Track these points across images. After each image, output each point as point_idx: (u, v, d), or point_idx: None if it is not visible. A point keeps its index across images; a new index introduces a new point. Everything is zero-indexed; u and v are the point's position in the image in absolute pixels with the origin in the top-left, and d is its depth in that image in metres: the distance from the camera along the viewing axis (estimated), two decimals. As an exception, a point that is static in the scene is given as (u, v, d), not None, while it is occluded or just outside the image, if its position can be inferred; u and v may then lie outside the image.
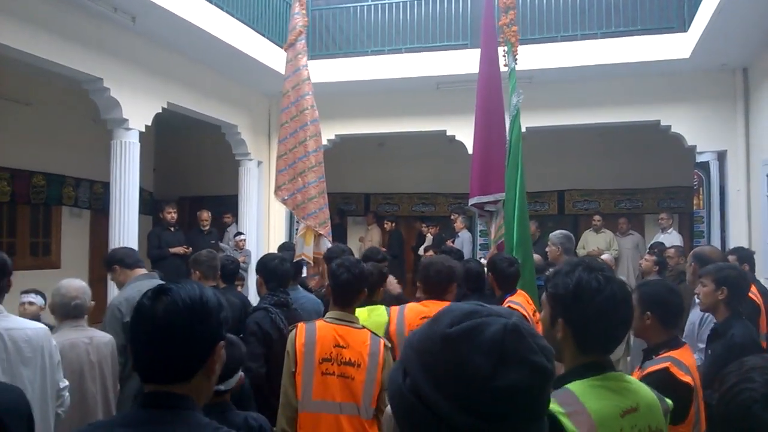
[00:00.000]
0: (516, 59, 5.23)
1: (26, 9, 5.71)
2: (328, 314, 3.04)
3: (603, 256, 7.77)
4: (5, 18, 5.52)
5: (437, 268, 3.47)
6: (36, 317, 4.26)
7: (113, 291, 6.70)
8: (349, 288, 2.99)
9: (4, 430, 1.78)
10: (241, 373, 2.48)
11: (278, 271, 3.82)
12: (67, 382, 2.98)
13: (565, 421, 1.52)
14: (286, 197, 6.04)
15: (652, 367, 2.48)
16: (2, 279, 2.64)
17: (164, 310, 1.31)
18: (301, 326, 2.99)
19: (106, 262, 4.17)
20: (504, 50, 5.30)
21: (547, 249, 5.67)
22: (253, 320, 3.54)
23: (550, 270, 1.99)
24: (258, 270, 3.91)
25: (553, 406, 1.55)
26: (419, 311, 3.39)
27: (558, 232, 5.54)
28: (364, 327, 3.02)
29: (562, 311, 1.66)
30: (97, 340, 3.37)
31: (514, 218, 4.85)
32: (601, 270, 1.68)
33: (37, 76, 7.90)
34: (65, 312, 3.31)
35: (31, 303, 4.54)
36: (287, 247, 6.38)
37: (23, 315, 4.01)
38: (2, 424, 1.77)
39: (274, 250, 9.25)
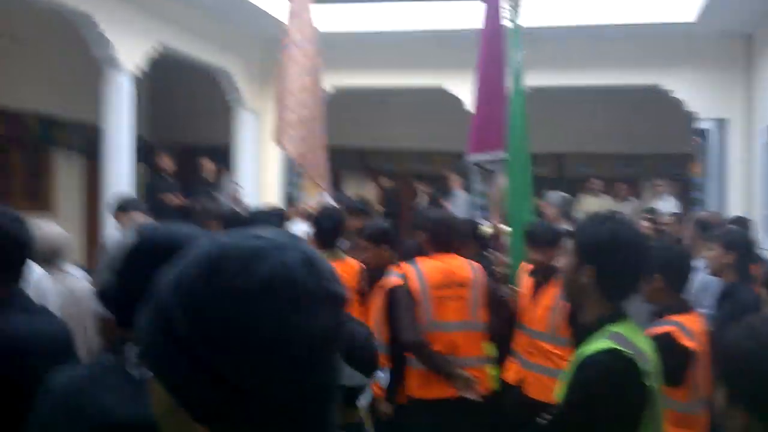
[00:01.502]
0: (518, 11, 5.11)
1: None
2: None
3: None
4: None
5: (447, 223, 3.55)
6: None
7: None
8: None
9: (72, 352, 1.83)
10: None
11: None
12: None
13: (639, 363, 1.66)
14: (287, 145, 5.85)
15: (656, 328, 2.51)
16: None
17: None
18: None
19: (110, 210, 4.23)
20: (508, 4, 5.17)
21: (544, 210, 5.58)
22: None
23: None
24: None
25: (617, 347, 1.68)
26: (438, 267, 3.38)
27: (556, 192, 5.49)
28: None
29: (594, 259, 1.76)
30: (80, 288, 3.31)
31: (515, 179, 4.79)
32: (627, 222, 1.85)
33: (26, 10, 7.68)
34: (39, 257, 3.24)
35: None
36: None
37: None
38: (70, 346, 1.84)
39: (270, 202, 9.24)
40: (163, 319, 0.67)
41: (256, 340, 0.64)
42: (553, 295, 3.39)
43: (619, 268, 1.76)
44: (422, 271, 3.34)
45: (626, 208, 9.89)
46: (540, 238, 3.57)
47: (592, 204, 9.90)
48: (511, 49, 5.09)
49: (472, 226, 4.28)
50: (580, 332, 1.88)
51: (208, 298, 0.65)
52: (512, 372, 3.62)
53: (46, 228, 3.29)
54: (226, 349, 0.64)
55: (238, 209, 8.01)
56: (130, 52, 7.08)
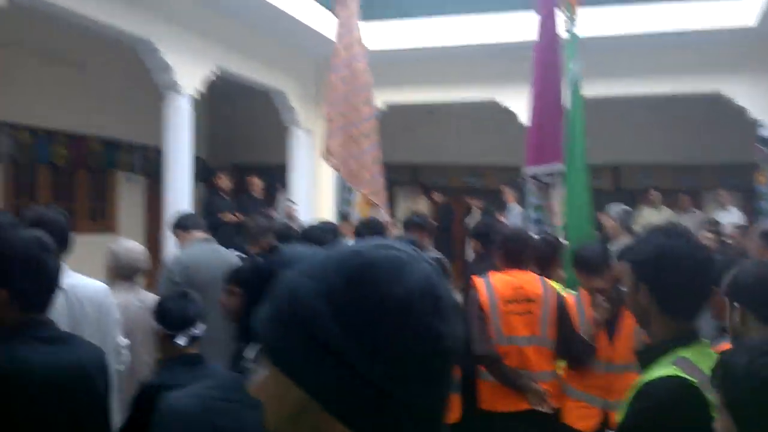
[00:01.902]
0: (574, 20, 5.04)
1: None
2: None
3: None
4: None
5: (518, 238, 3.50)
6: None
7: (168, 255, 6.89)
8: None
9: (91, 384, 1.83)
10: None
11: (322, 244, 3.79)
12: (126, 341, 3.01)
13: (705, 393, 1.52)
14: (337, 163, 5.92)
15: (722, 345, 2.40)
16: (66, 236, 2.69)
17: None
18: None
19: (169, 227, 4.30)
20: (564, 14, 5.12)
21: (605, 223, 5.42)
22: None
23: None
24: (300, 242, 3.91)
25: (682, 374, 1.56)
26: (508, 281, 3.35)
27: (616, 205, 5.36)
28: None
29: (646, 277, 1.66)
30: (150, 302, 3.41)
31: (574, 192, 4.72)
32: (681, 235, 1.69)
33: (92, 39, 8.00)
34: (124, 273, 3.34)
35: None
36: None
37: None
38: (90, 377, 1.83)
39: (324, 218, 9.32)
40: (307, 326, 0.68)
41: (407, 345, 0.67)
42: (629, 322, 3.11)
43: (673, 285, 1.63)
44: (492, 285, 3.32)
45: (688, 220, 9.58)
46: (592, 263, 3.21)
47: (652, 216, 9.64)
48: (569, 59, 5.03)
49: (555, 245, 4.11)
50: (645, 356, 1.75)
51: (361, 306, 0.67)
52: (590, 418, 3.20)
53: (127, 245, 3.42)
54: (378, 355, 0.67)
55: (292, 225, 8.15)
56: (190, 76, 7.30)
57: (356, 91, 5.87)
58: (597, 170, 11.20)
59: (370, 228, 4.29)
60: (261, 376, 0.75)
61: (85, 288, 2.73)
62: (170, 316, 2.38)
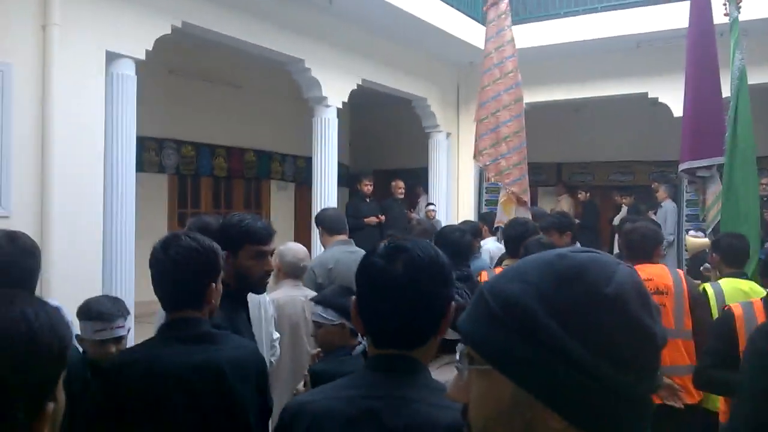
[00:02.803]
0: (739, 8, 4.65)
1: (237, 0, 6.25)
2: None
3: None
4: (220, 8, 6.09)
5: (642, 232, 3.41)
6: None
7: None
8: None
9: (223, 383, 1.77)
10: None
11: (460, 244, 3.78)
12: (278, 335, 3.21)
13: None
14: (488, 163, 5.96)
15: None
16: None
17: (404, 268, 1.24)
18: None
19: (316, 221, 4.46)
20: (723, -1, 4.75)
21: None
22: None
23: None
24: (438, 243, 3.93)
25: None
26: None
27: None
28: None
29: None
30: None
31: (737, 186, 4.37)
32: None
33: (246, 61, 8.62)
34: (291, 271, 3.57)
35: None
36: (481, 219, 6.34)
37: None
38: (222, 376, 1.77)
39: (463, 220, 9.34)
40: (529, 328, 0.72)
41: (628, 341, 0.71)
42: None
43: None
44: None
45: None
46: None
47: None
48: (732, 47, 4.66)
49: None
50: None
51: (576, 306, 0.71)
52: None
53: (293, 247, 3.66)
54: (602, 352, 0.70)
55: (434, 226, 8.24)
56: (337, 90, 7.67)
57: (508, 90, 5.92)
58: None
59: (520, 229, 4.24)
60: (457, 378, 0.80)
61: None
62: (344, 309, 2.47)
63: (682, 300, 3.18)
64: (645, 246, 3.36)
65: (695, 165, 4.71)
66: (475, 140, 6.09)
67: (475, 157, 6.14)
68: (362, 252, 4.17)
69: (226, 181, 9.92)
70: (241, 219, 2.43)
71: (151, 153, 8.72)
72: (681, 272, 3.34)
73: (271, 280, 3.74)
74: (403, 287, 1.23)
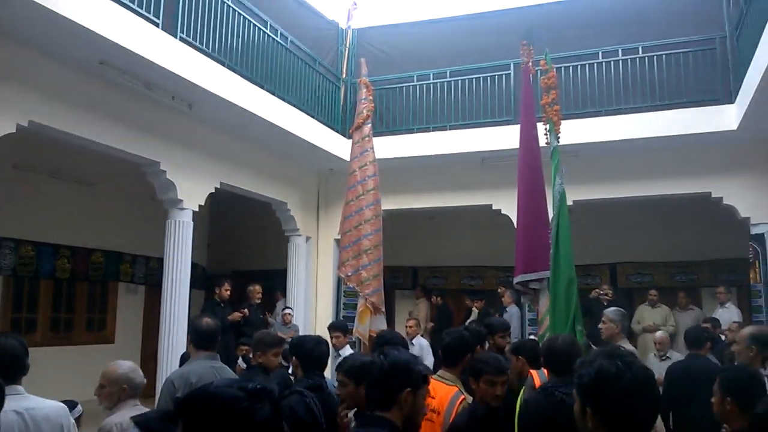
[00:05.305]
0: (558, 138, 5.27)
1: (90, 99, 6.10)
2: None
3: (657, 333, 7.54)
4: (71, 108, 5.92)
5: (449, 339, 3.71)
6: None
7: (164, 366, 6.84)
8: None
9: None
10: None
11: (314, 353, 3.74)
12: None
13: None
14: (349, 273, 6.25)
15: None
16: (20, 362, 2.76)
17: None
18: None
19: (188, 328, 4.21)
20: (546, 128, 5.36)
21: (601, 326, 5.43)
22: (287, 404, 3.34)
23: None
24: (293, 352, 3.84)
25: None
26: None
27: (613, 308, 5.37)
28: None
29: (588, 401, 1.64)
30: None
31: (561, 295, 4.77)
32: (622, 356, 1.66)
33: (99, 159, 8.33)
34: (127, 393, 3.22)
35: None
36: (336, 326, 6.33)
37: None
38: None
39: (321, 324, 9.31)
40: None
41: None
42: None
43: (611, 407, 1.59)
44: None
45: (687, 318, 9.56)
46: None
47: (650, 315, 9.62)
48: (553, 172, 5.20)
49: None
50: None
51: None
52: None
53: (126, 364, 3.32)
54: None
55: (287, 333, 8.12)
56: (195, 193, 7.56)
57: (369, 206, 6.30)
58: (594, 269, 11.37)
59: (390, 341, 4.22)
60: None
61: (43, 410, 2.75)
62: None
63: (447, 422, 3.32)
64: (450, 353, 3.64)
65: (527, 278, 5.10)
66: (339, 252, 6.38)
67: (339, 268, 6.42)
68: (227, 369, 4.01)
69: (68, 283, 9.26)
70: None
71: (-17, 253, 8.03)
72: (462, 398, 3.44)
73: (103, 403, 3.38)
74: None
